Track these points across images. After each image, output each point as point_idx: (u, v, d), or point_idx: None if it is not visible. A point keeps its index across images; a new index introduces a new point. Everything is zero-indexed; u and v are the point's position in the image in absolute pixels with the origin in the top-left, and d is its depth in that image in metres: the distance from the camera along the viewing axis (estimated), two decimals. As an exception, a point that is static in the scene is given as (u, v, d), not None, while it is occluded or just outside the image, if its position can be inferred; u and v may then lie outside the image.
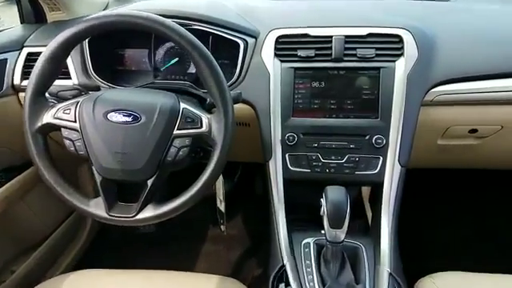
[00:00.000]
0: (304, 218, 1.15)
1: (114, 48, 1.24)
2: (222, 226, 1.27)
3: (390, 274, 0.88)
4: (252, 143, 1.17)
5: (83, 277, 0.99)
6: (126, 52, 1.24)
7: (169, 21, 0.81)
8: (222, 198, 1.12)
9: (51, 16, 1.36)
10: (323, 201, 0.88)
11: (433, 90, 1.04)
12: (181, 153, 0.84)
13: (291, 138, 1.04)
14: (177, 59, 1.21)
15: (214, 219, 1.66)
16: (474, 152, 1.20)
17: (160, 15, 0.81)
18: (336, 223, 0.85)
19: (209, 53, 0.83)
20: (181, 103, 0.87)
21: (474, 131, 1.11)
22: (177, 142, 0.84)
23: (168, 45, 1.21)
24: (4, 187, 1.26)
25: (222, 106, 0.83)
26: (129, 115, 0.82)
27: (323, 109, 1.06)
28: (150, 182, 0.85)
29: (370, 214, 1.21)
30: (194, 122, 0.85)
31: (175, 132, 0.84)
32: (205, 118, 0.85)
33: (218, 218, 1.22)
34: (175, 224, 1.78)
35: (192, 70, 1.21)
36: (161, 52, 1.21)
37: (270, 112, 1.06)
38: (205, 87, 0.85)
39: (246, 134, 1.21)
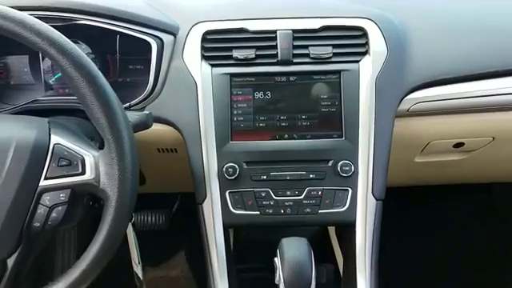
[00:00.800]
0: (255, 267, 0.89)
1: None
2: None
3: None
4: (184, 171, 0.89)
5: None
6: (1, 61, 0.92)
7: (19, 14, 0.53)
8: (137, 260, 0.85)
9: None
10: (278, 262, 0.66)
11: (409, 97, 0.82)
12: (54, 214, 0.58)
13: (231, 169, 0.78)
14: None
15: (154, 258, 1.37)
16: (457, 168, 1.01)
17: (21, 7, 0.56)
18: None
19: (85, 57, 0.56)
20: (52, 136, 0.59)
21: (459, 145, 0.91)
22: (46, 198, 0.57)
23: None
24: None
25: (113, 139, 0.56)
26: None
27: (271, 128, 0.81)
28: (10, 262, 0.58)
29: (340, 258, 0.97)
30: (72, 165, 0.58)
31: (43, 183, 0.57)
32: (89, 156, 0.58)
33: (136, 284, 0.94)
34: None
35: None
36: (48, 60, 0.90)
37: (201, 135, 0.80)
38: (86, 112, 0.56)
39: (175, 161, 0.93)
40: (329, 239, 1.01)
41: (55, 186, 0.57)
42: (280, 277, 0.63)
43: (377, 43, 0.81)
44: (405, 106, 0.82)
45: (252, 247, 0.90)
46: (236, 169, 0.78)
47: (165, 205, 1.44)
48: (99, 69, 0.91)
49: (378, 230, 0.79)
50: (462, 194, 1.35)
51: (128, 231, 0.84)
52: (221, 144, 0.80)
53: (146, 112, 0.70)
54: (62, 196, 0.57)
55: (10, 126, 0.60)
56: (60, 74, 0.90)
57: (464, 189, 1.24)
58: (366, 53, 0.81)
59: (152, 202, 1.50)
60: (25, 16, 0.54)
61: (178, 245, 1.48)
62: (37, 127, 0.59)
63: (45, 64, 0.89)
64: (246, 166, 0.80)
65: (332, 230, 1.07)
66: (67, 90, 0.89)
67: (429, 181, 1.12)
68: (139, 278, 0.89)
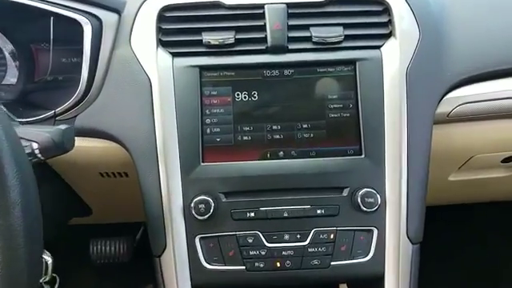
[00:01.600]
0: None
1: None
2: None
3: None
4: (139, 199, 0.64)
5: None
6: None
7: None
8: None
9: None
10: None
11: (450, 96, 0.61)
12: None
13: (203, 205, 0.55)
14: None
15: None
16: (500, 186, 0.79)
17: None
18: None
19: None
20: None
21: (509, 159, 0.68)
22: None
23: None
24: None
25: None
26: None
27: (259, 142, 0.59)
28: None
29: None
30: None
31: None
32: None
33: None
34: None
35: (11, 78, 0.69)
36: None
37: (157, 155, 0.57)
38: None
39: (126, 188, 0.69)
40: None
41: None
42: None
43: (405, 22, 0.60)
44: (445, 108, 0.61)
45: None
46: (210, 204, 0.54)
47: (128, 231, 1.19)
48: (22, 65, 0.63)
49: (415, 284, 0.56)
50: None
51: None
52: (188, 167, 0.56)
53: (62, 127, 0.45)
54: None
55: None
56: None
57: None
58: (389, 35, 0.60)
59: (112, 228, 1.25)
60: None
61: (144, 280, 1.22)
62: None
63: None
64: (224, 200, 0.56)
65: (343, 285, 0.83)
66: None
67: (458, 201, 0.90)
68: None
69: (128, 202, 0.73)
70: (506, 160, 0.69)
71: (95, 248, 1.18)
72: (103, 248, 1.19)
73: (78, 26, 0.58)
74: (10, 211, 0.34)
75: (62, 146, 0.45)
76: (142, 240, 1.24)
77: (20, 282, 0.35)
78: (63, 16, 0.57)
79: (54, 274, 0.58)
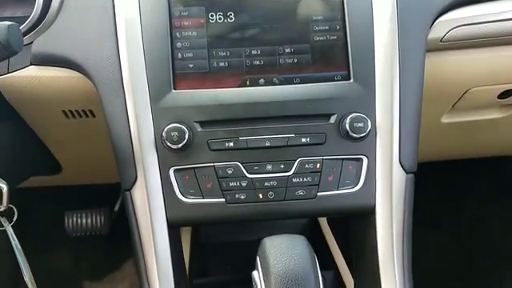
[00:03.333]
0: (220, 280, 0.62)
1: None
2: None
3: None
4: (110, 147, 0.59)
5: None
6: None
7: None
8: (27, 276, 0.55)
9: None
10: (258, 277, 0.42)
11: (444, 19, 0.57)
12: None
13: (176, 133, 0.50)
14: None
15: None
16: (491, 133, 0.75)
17: None
18: None
19: None
20: None
21: (506, 95, 0.64)
22: None
23: None
24: None
25: None
26: None
27: (237, 68, 0.54)
28: None
29: (339, 258, 0.69)
30: None
31: None
32: None
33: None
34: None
35: None
36: None
37: (123, 83, 0.52)
38: None
39: (92, 131, 0.63)
40: (321, 235, 0.73)
41: None
42: None
43: None
44: (438, 32, 0.57)
45: (217, 253, 0.61)
46: (184, 132, 0.49)
47: (106, 202, 1.13)
48: None
49: (409, 217, 0.52)
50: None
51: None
52: (158, 95, 0.51)
53: (6, 23, 0.39)
54: None
55: None
56: None
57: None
58: None
59: (90, 199, 1.18)
60: None
61: (123, 252, 1.16)
62: None
63: None
64: (200, 129, 0.51)
65: (324, 222, 0.78)
66: None
67: (452, 151, 0.86)
68: None
69: (99, 154, 0.68)
70: (504, 95, 0.65)
71: (70, 221, 1.13)
72: (79, 221, 1.14)
73: None
74: None
75: (8, 45, 0.39)
76: (121, 210, 1.18)
77: None
78: None
79: (11, 205, 0.52)
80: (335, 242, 0.72)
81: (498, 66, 0.61)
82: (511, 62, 0.61)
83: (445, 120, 0.69)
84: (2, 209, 0.45)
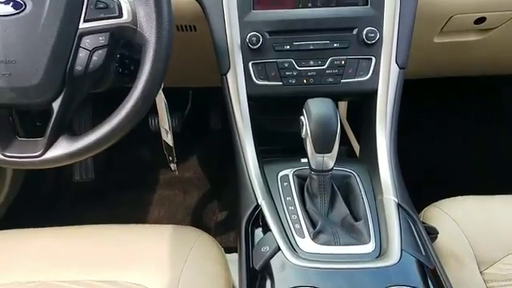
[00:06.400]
0: (276, 149, 0.91)
1: None
2: (172, 165, 1.01)
3: (398, 204, 0.68)
4: (202, 56, 0.88)
5: (5, 238, 0.79)
6: None
7: None
8: (167, 127, 0.85)
9: None
10: (304, 119, 0.65)
11: None
12: (95, 57, 0.58)
13: (254, 39, 0.77)
14: None
15: (165, 159, 1.40)
16: (476, 52, 0.99)
17: None
18: (323, 146, 0.63)
19: None
20: None
21: (481, 21, 0.89)
22: (86, 41, 0.58)
23: None
24: None
25: None
26: (6, 2, 0.56)
27: None
28: (56, 105, 0.59)
29: (352, 136, 1.00)
30: (109, 8, 0.57)
31: (82, 25, 0.57)
32: (125, 1, 0.58)
33: (165, 154, 0.96)
34: (117, 169, 1.50)
35: None
36: None
37: (223, 5, 0.78)
38: None
39: (192, 42, 0.91)
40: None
41: (94, 29, 0.57)
42: (307, 130, 0.64)
43: None
44: None
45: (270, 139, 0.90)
46: (259, 38, 0.77)
47: (175, 107, 1.45)
48: None
49: (399, 99, 0.79)
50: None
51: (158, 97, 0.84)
52: (243, 13, 0.77)
53: None
54: (102, 39, 0.57)
55: None
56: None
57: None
58: None
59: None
60: None
61: (190, 148, 1.50)
62: None
63: None
64: (268, 37, 0.78)
65: (342, 109, 1.07)
66: None
67: (445, 68, 1.12)
68: (169, 145, 0.90)
69: (190, 60, 0.95)
70: (478, 21, 0.90)
71: (152, 121, 1.42)
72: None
73: None
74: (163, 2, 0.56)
75: None
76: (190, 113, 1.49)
77: (168, 48, 0.58)
78: None
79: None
80: (349, 126, 1.03)
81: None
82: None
83: (436, 40, 0.94)
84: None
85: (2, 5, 0.55)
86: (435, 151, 1.41)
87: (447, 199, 0.81)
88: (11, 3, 0.55)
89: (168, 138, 0.89)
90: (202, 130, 1.57)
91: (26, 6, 0.56)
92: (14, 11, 0.55)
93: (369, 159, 0.79)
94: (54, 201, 1.44)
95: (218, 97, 0.85)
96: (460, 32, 0.93)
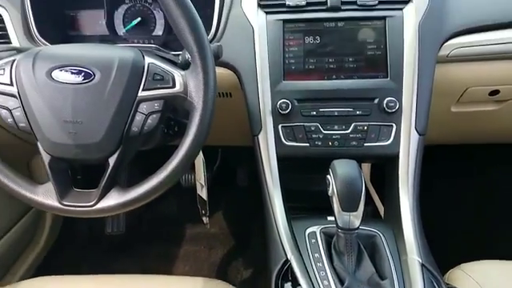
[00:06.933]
0: (303, 206, 0.96)
1: (64, 9, 1.03)
2: (204, 218, 1.07)
3: (423, 264, 0.70)
4: (234, 119, 0.97)
5: (42, 285, 0.83)
6: (77, 13, 1.04)
7: None
8: (203, 182, 0.92)
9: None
10: (330, 178, 0.71)
11: (449, 43, 0.88)
12: (149, 121, 0.67)
13: (284, 105, 0.86)
14: (139, 19, 1.01)
15: (192, 215, 1.45)
16: (492, 121, 1.05)
17: None
18: (349, 205, 0.68)
19: None
20: (146, 57, 0.69)
21: (495, 93, 0.95)
22: (143, 107, 0.67)
23: (128, 2, 1.00)
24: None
25: (200, 57, 0.65)
26: (79, 72, 0.66)
27: (320, 69, 0.88)
28: (111, 161, 0.68)
29: (376, 197, 1.03)
30: (164, 80, 0.67)
31: (141, 94, 0.66)
32: (178, 75, 0.67)
33: (198, 208, 1.01)
34: (147, 223, 1.56)
35: (158, 31, 1.02)
36: (120, 12, 1.01)
37: (257, 75, 0.88)
38: (176, 34, 0.65)
39: (227, 107, 1.01)
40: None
41: (151, 97, 0.66)
42: (333, 189, 0.69)
43: None
44: (445, 51, 0.88)
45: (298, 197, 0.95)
46: (288, 104, 0.86)
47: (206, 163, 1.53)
48: (166, 21, 0.97)
49: (419, 163, 0.84)
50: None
51: None
52: (275, 83, 0.87)
53: (218, 43, 0.77)
54: (157, 105, 0.66)
55: (112, 50, 0.69)
56: (129, 27, 1.00)
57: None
58: (408, 1, 0.87)
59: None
60: None
61: (216, 204, 1.55)
62: (133, 51, 0.68)
63: (116, 17, 1.00)
64: (297, 103, 0.87)
65: (365, 171, 1.12)
66: (136, 40, 1.00)
67: (463, 136, 1.16)
68: (203, 199, 0.96)
69: (224, 122, 1.05)
70: (493, 93, 0.96)
71: (184, 177, 1.48)
72: (190, 176, 1.50)
73: None
74: (210, 71, 0.65)
75: (217, 54, 0.74)
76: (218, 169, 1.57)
77: (212, 113, 0.66)
78: None
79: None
80: (373, 188, 1.07)
81: (487, 73, 0.91)
82: (494, 71, 0.90)
83: (453, 109, 1.00)
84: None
85: (75, 75, 0.66)
86: (460, 213, 1.41)
87: (471, 262, 0.81)
88: (82, 73, 0.66)
89: (203, 192, 0.96)
90: (229, 187, 1.63)
91: (94, 76, 0.66)
92: (85, 80, 0.66)
93: (393, 220, 0.82)
94: (86, 250, 1.50)
95: (246, 155, 0.93)
96: (476, 102, 1.00)
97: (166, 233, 1.56)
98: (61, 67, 0.66)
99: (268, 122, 0.87)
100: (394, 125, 0.85)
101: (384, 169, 0.91)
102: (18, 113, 0.67)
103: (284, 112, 0.86)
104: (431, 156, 0.94)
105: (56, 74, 0.66)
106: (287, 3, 0.87)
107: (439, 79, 0.88)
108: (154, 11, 1.01)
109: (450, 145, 1.23)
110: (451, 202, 1.46)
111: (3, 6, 0.92)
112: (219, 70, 0.90)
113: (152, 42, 1.00)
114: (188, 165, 0.67)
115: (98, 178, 0.69)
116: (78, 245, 1.51)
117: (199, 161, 0.90)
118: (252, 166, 0.91)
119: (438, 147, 1.13)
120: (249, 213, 0.99)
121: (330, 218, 0.78)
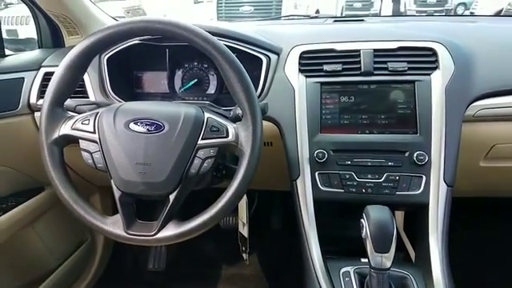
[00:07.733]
0: (336, 250, 1.02)
1: (132, 70, 1.22)
2: (244, 255, 1.13)
3: None
4: (274, 165, 1.08)
5: None
6: (144, 74, 1.23)
7: (190, 24, 0.77)
8: (245, 220, 1.01)
9: (70, 40, 1.35)
10: (364, 222, 0.78)
11: (474, 104, 0.97)
12: (205, 164, 0.78)
13: (320, 154, 0.95)
14: (196, 80, 1.17)
15: (228, 256, 1.52)
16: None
17: None
18: (382, 246, 0.75)
19: (234, 56, 0.78)
20: (205, 113, 0.82)
21: (522, 150, 1.01)
22: (201, 153, 0.78)
23: (186, 66, 1.18)
24: (13, 211, 1.17)
25: (250, 112, 0.77)
26: (151, 124, 0.78)
27: (354, 124, 0.98)
28: (172, 197, 0.78)
29: (408, 244, 1.08)
30: (220, 131, 0.79)
31: (200, 142, 0.78)
32: (231, 127, 0.80)
33: (239, 245, 1.09)
34: (186, 261, 1.65)
35: (211, 90, 1.17)
36: (179, 74, 1.18)
37: (296, 128, 0.99)
38: (231, 94, 0.79)
39: (268, 153, 1.12)
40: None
41: (208, 145, 0.77)
42: (367, 232, 0.77)
43: (445, 61, 0.97)
44: (471, 111, 0.96)
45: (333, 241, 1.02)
46: (325, 154, 0.95)
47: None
48: (218, 82, 1.11)
49: (448, 213, 0.90)
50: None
51: None
52: (312, 135, 0.97)
53: (264, 102, 0.90)
54: (212, 152, 0.78)
55: (178, 106, 0.83)
56: (187, 86, 1.17)
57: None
58: (436, 68, 0.97)
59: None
60: (194, 27, 0.78)
61: (252, 244, 1.62)
62: (195, 107, 0.82)
63: (176, 78, 1.18)
64: (332, 153, 0.96)
65: (400, 221, 1.17)
66: (191, 98, 1.16)
67: (493, 189, 1.20)
68: (244, 237, 1.04)
69: (264, 167, 1.16)
70: (521, 150, 1.02)
71: (224, 220, 1.53)
72: (229, 219, 1.58)
73: (256, 60, 1.04)
74: (258, 125, 0.77)
75: (265, 110, 0.86)
76: (254, 213, 1.66)
77: (258, 160, 0.76)
78: (253, 54, 1.03)
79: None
80: (405, 235, 1.11)
81: (512, 132, 1.00)
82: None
83: (482, 164, 1.06)
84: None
85: (148, 126, 0.79)
86: (488, 261, 1.40)
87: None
88: (154, 125, 0.78)
89: (244, 230, 1.04)
90: (264, 229, 1.71)
91: (164, 127, 0.77)
92: (156, 130, 0.77)
93: (423, 264, 0.87)
94: (130, 283, 1.60)
95: (281, 199, 1.01)
96: (504, 158, 1.05)
97: (202, 273, 1.63)
98: (136, 120, 0.78)
99: (306, 168, 0.96)
100: (423, 176, 0.92)
101: (415, 216, 0.97)
102: (97, 155, 0.78)
103: (320, 160, 0.96)
104: (464, 208, 0.99)
105: (132, 125, 0.78)
106: (325, 69, 0.99)
107: (467, 136, 0.96)
108: (209, 74, 1.17)
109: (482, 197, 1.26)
110: (482, 249, 1.45)
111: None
112: (264, 123, 1.03)
113: (205, 99, 1.15)
114: (235, 203, 0.77)
115: (157, 211, 0.80)
116: (123, 278, 1.61)
117: (242, 201, 0.99)
118: (286, 210, 0.99)
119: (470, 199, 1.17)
120: (283, 255, 1.04)
121: (363, 260, 0.84)
